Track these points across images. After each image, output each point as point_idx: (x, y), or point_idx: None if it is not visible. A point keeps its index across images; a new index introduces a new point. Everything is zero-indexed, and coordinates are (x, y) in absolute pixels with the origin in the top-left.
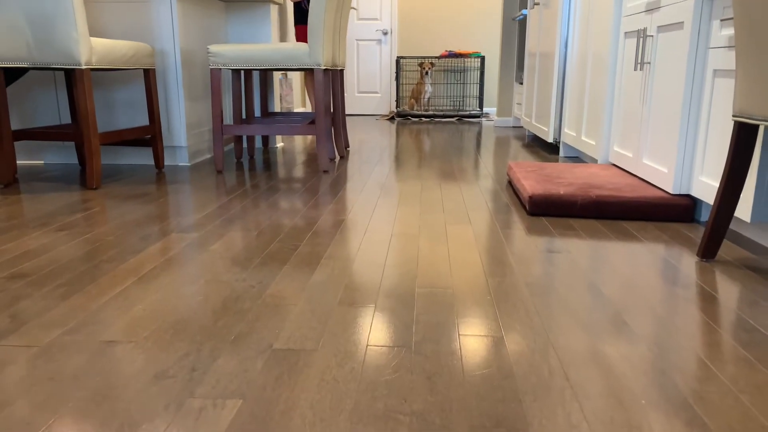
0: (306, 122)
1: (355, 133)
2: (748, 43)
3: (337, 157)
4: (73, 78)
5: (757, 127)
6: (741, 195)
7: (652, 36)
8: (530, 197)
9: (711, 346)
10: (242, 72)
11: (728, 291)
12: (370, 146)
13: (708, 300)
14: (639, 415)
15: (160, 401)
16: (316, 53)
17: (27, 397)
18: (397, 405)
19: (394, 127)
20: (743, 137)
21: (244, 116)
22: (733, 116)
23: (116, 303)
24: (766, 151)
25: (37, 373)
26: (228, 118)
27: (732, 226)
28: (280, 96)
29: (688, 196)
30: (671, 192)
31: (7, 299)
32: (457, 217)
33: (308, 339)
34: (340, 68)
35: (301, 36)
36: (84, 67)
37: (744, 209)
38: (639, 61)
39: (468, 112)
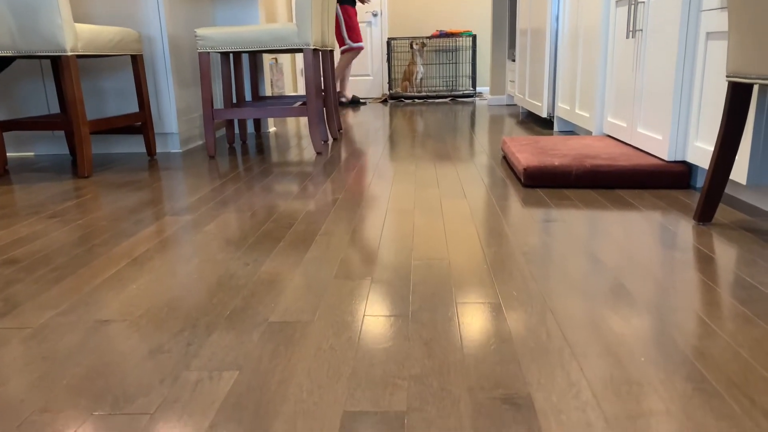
0: (297, 104)
1: (348, 116)
2: (739, 0)
3: (330, 140)
4: (59, 66)
5: (751, 86)
6: (736, 157)
7: (643, 2)
8: (525, 169)
9: (710, 304)
10: (231, 56)
11: (726, 252)
12: (364, 129)
13: (706, 261)
14: (638, 372)
15: (155, 375)
16: (304, 33)
17: (20, 376)
18: (395, 370)
19: (387, 109)
20: (737, 98)
21: (234, 101)
22: (727, 77)
23: (110, 284)
24: (761, 111)
25: (31, 353)
26: (218, 103)
27: (728, 190)
28: (271, 81)
29: (684, 162)
30: (666, 159)
31: None
32: (453, 192)
33: (304, 312)
34: (329, 49)
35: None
36: (69, 53)
37: (740, 172)
38: (631, 28)
39: (461, 92)
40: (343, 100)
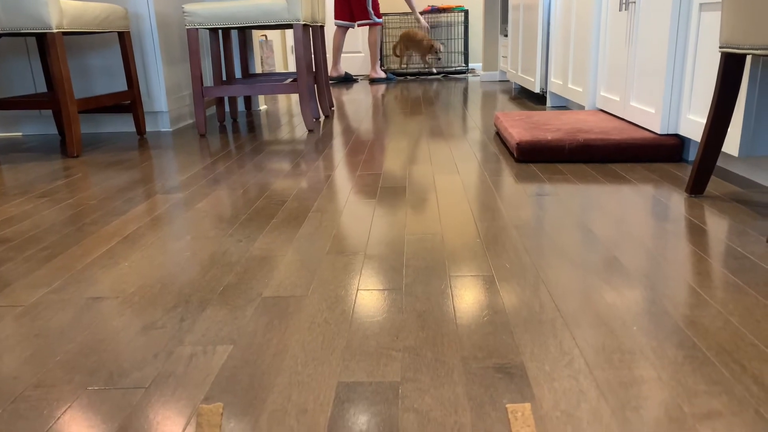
0: (288, 81)
1: (339, 93)
2: None
3: (322, 117)
4: (45, 43)
5: (743, 57)
6: (728, 129)
7: None
8: (518, 144)
9: (701, 274)
10: (220, 32)
11: (717, 223)
12: (355, 106)
13: (697, 233)
14: (630, 341)
15: (149, 350)
16: (294, 8)
17: (13, 353)
18: (388, 342)
19: (379, 86)
20: (730, 69)
21: (224, 78)
22: (720, 47)
23: (101, 262)
24: (753, 83)
25: (23, 330)
26: (208, 81)
27: (720, 162)
28: (261, 58)
29: (676, 135)
30: (659, 132)
31: None
32: (445, 168)
33: (298, 286)
34: (320, 24)
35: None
36: (55, 30)
37: (732, 144)
38: (624, 1)
39: (453, 69)
40: (382, 76)
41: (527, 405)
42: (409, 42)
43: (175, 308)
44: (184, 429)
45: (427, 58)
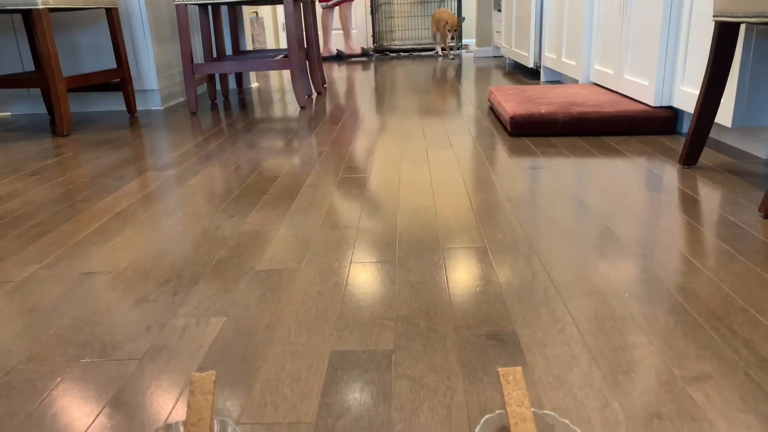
0: (279, 57)
1: (331, 71)
2: None
3: (314, 94)
4: (31, 20)
5: (737, 26)
6: (722, 100)
7: None
8: (511, 118)
9: (693, 243)
10: (210, 8)
11: (710, 193)
12: (348, 83)
13: (690, 203)
14: (622, 308)
15: (142, 323)
16: None
17: (5, 328)
18: (382, 312)
19: (371, 63)
20: (724, 38)
21: (215, 55)
22: (714, 16)
23: (93, 238)
24: (747, 52)
25: (15, 305)
26: (198, 58)
27: (713, 134)
28: (252, 36)
29: (670, 107)
30: (653, 105)
31: None
32: (439, 143)
33: (291, 260)
34: None
35: None
36: (41, 6)
37: (725, 115)
38: None
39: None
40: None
41: (518, 368)
42: (436, 23)
43: (167, 282)
44: (177, 398)
45: (447, 41)
